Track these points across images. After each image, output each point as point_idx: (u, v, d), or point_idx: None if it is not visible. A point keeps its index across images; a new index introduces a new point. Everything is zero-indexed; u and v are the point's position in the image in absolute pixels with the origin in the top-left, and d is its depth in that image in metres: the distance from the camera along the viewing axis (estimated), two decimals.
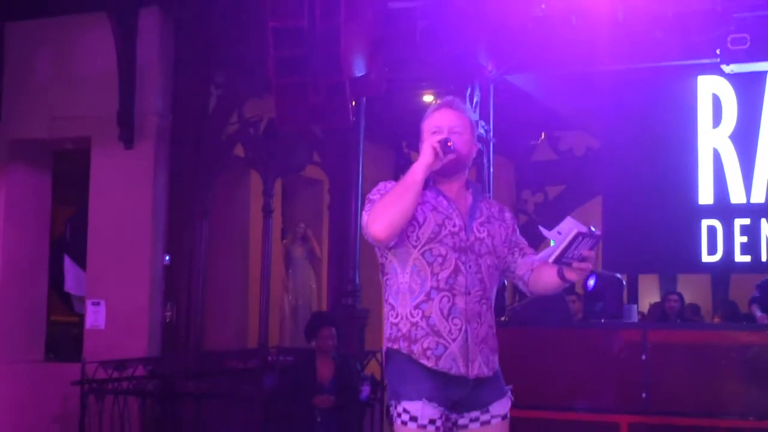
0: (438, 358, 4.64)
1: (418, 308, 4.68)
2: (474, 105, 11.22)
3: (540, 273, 4.84)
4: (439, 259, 4.70)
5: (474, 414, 4.87)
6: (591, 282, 9.59)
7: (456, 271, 4.69)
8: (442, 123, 4.85)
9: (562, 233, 4.52)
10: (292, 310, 14.31)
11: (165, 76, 12.31)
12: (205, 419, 10.40)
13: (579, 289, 12.05)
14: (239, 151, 12.75)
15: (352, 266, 11.61)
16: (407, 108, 13.44)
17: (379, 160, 15.51)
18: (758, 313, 9.90)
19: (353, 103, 11.25)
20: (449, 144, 4.71)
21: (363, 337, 11.70)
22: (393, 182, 4.87)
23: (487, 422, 4.92)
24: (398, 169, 16.23)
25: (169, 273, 12.36)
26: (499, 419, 4.97)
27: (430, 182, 4.84)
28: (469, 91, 11.20)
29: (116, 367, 10.97)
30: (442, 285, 4.68)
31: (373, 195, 4.89)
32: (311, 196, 15.20)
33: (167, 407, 10.90)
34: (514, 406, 8.97)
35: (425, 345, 4.65)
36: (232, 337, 13.48)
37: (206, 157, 12.42)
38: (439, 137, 4.75)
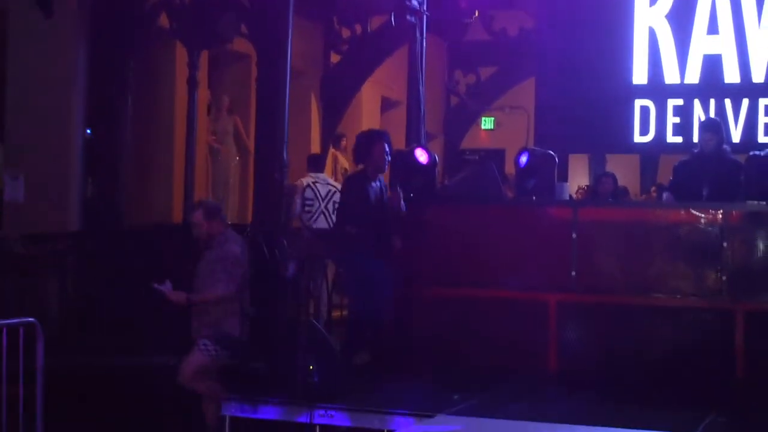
0: None
1: None
2: None
3: None
4: None
5: None
6: (523, 159, 9.43)
7: None
8: None
9: None
10: (215, 186, 14.02)
11: None
12: (126, 295, 10.18)
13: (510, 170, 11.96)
14: (164, 21, 12.30)
15: (280, 140, 11.30)
16: None
17: (308, 35, 15.10)
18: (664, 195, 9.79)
19: None
20: None
21: (290, 213, 11.49)
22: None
23: None
24: (327, 45, 15.86)
25: (91, 147, 12.01)
26: None
27: None
28: None
29: (35, 242, 10.68)
30: None
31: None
32: (239, 70, 14.79)
33: (88, 283, 10.66)
34: (441, 283, 8.94)
35: None
36: (157, 213, 13.19)
37: (129, 26, 11.97)
38: None
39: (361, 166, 9.08)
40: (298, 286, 10.05)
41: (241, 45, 13.17)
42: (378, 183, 8.99)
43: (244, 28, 12.22)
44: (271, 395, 7.58)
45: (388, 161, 9.00)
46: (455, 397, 7.64)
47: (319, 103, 15.72)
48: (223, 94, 14.37)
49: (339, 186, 12.20)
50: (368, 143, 9.00)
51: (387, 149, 8.97)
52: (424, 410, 7.19)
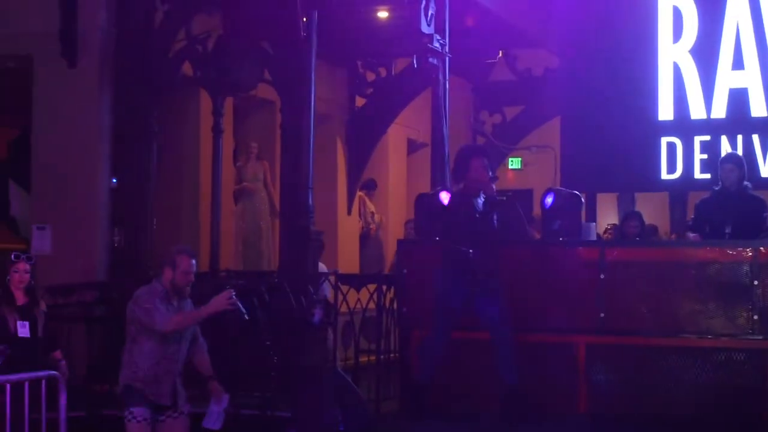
0: None
1: None
2: (429, 18, 10.88)
3: None
4: None
5: None
6: (549, 199, 9.34)
7: None
8: None
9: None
10: (244, 234, 13.99)
11: None
12: None
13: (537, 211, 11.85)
14: (187, 69, 12.35)
15: (305, 187, 11.29)
16: (361, 24, 13.07)
17: (332, 79, 15.12)
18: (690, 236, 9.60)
19: (304, 18, 10.92)
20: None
21: (317, 259, 11.43)
22: None
23: None
24: (352, 89, 15.86)
25: (117, 196, 12.03)
26: None
27: None
28: (424, 3, 10.84)
29: (63, 293, 10.66)
30: None
31: None
32: (263, 116, 14.80)
33: (115, 333, 10.61)
34: (467, 327, 8.80)
35: None
36: None
37: (153, 75, 12.00)
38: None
39: (461, 185, 8.91)
40: (324, 332, 9.99)
41: (265, 91, 13.20)
42: (481, 199, 8.80)
43: (267, 75, 12.24)
44: None
45: (491, 175, 8.84)
46: None
47: (345, 146, 15.71)
48: (251, 141, 14.38)
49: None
50: (464, 160, 8.91)
51: (485, 163, 8.82)
52: None
